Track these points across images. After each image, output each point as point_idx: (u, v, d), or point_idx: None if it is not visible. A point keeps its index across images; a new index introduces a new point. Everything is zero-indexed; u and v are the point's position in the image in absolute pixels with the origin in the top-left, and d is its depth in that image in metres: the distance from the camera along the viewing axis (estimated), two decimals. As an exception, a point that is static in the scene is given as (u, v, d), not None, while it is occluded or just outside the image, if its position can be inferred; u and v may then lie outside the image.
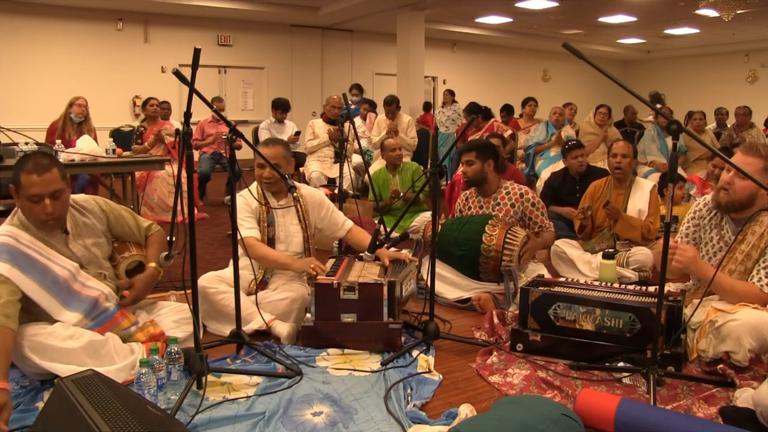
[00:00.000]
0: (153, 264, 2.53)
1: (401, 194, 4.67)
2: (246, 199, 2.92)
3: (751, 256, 2.44)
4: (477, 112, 6.48)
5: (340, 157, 4.42)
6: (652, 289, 2.62)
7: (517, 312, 2.72)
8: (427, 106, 10.07)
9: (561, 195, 4.56)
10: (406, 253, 3.07)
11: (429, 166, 5.83)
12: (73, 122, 5.40)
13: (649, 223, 3.67)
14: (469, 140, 5.07)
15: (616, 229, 3.70)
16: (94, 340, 2.19)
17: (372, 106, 7.93)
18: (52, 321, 2.20)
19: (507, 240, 3.14)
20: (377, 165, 6.01)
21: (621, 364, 2.38)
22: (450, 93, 9.38)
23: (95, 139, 4.99)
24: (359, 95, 8.53)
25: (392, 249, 3.04)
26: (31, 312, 2.20)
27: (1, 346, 1.95)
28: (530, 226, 3.49)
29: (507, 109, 8.18)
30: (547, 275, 3.31)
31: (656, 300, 2.20)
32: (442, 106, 9.21)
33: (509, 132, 6.72)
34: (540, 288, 2.63)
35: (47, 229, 2.28)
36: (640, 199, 3.76)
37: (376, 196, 4.31)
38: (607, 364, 2.41)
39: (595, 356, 2.45)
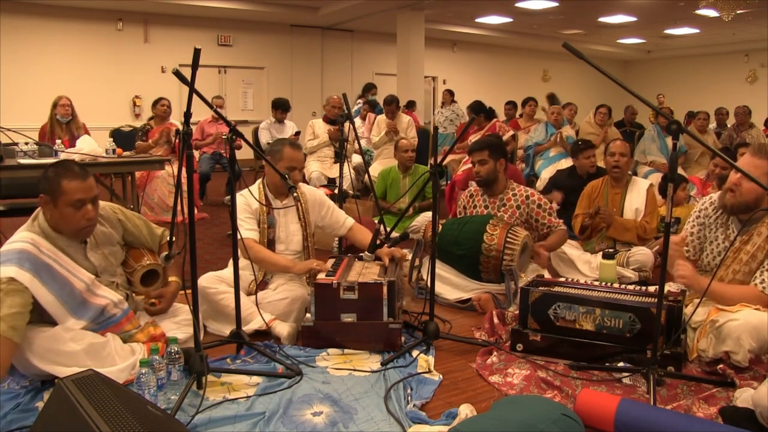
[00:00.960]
0: (174, 278, 2.59)
1: (407, 205, 4.60)
2: (247, 200, 2.91)
3: (756, 257, 2.43)
4: (481, 112, 6.38)
5: (340, 157, 4.42)
6: (652, 289, 2.62)
7: (517, 312, 2.72)
8: (411, 104, 10.03)
9: (565, 193, 4.54)
10: (404, 252, 3.05)
11: (429, 166, 5.80)
12: (61, 123, 5.39)
13: (644, 223, 3.66)
14: (476, 139, 5.05)
15: (609, 233, 3.69)
16: (95, 342, 2.18)
17: (372, 106, 7.93)
18: (52, 322, 2.18)
19: (508, 239, 3.14)
20: (378, 165, 6.01)
21: (621, 364, 2.38)
22: (449, 93, 9.36)
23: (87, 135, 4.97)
24: (376, 93, 8.56)
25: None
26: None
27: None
28: (537, 228, 3.45)
29: (511, 103, 8.20)
30: (547, 275, 3.32)
31: (656, 300, 2.20)
32: (441, 106, 9.19)
33: (510, 133, 6.70)
34: (540, 288, 2.63)
35: (70, 238, 2.25)
36: (636, 198, 3.75)
37: (376, 194, 4.29)
38: (607, 364, 2.41)
39: (595, 356, 2.45)
